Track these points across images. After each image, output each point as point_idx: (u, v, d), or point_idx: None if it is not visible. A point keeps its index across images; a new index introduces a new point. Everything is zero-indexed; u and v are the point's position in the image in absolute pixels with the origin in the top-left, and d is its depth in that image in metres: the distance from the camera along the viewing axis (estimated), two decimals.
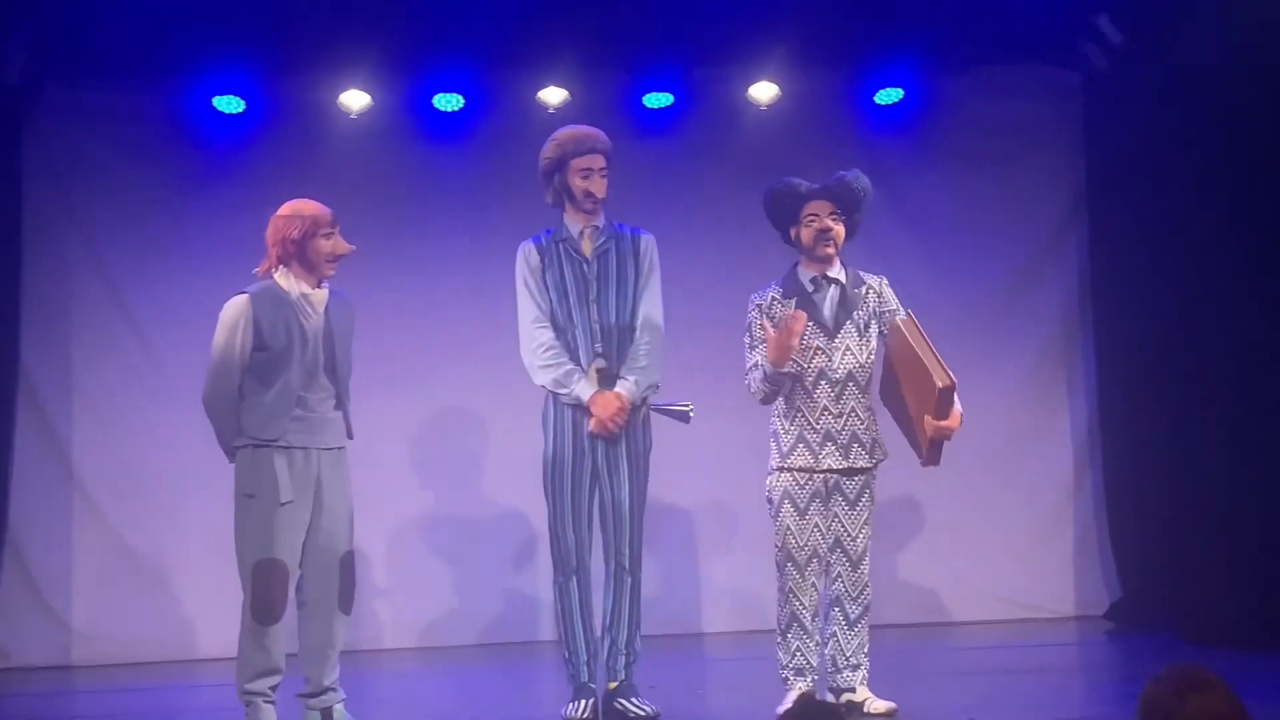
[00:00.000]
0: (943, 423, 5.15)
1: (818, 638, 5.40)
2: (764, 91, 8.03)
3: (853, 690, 5.41)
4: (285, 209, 5.31)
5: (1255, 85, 6.81)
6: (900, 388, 5.37)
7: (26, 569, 7.69)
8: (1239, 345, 6.87)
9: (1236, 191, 6.88)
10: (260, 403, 5.20)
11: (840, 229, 5.44)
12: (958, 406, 5.20)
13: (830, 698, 5.42)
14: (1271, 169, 6.77)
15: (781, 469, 5.41)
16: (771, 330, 5.25)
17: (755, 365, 5.38)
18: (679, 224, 7.70)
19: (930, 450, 5.26)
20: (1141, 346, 7.75)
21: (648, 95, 8.10)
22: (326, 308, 5.31)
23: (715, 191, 8.14)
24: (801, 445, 5.39)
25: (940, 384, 5.09)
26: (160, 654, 7.71)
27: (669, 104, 8.12)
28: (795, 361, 5.29)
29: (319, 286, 5.31)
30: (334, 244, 5.29)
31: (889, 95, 8.20)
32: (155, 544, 7.84)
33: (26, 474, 7.68)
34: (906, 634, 7.71)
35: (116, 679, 7.34)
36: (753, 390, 5.41)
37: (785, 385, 5.36)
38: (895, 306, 5.48)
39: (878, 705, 5.38)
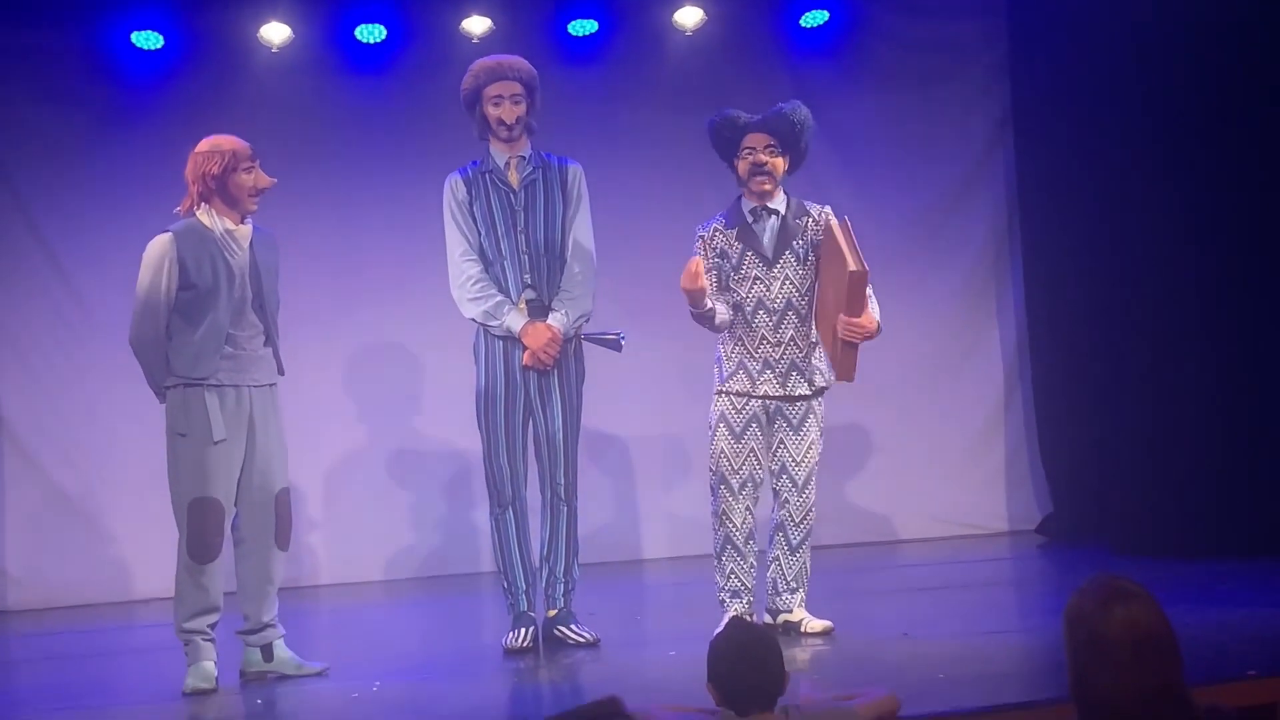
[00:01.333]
0: (855, 320, 5.06)
1: (751, 560, 5.45)
2: (689, 16, 7.99)
3: (789, 611, 5.47)
4: (203, 145, 5.25)
5: None
6: (824, 295, 5.36)
7: None
8: (1165, 260, 6.93)
9: (1161, 104, 6.91)
10: (189, 342, 5.16)
11: (778, 161, 5.44)
12: (874, 314, 5.16)
13: (768, 619, 5.47)
14: (1195, 79, 6.80)
15: (720, 392, 5.45)
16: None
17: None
18: (607, 152, 7.65)
19: (843, 355, 5.09)
20: (1069, 263, 7.81)
21: (572, 23, 8.03)
22: (251, 244, 5.26)
23: (642, 119, 8.11)
24: (741, 371, 5.42)
25: (851, 268, 4.98)
26: (96, 596, 7.67)
27: (594, 31, 8.07)
28: (712, 299, 5.31)
29: (242, 222, 5.26)
30: (255, 178, 5.23)
31: (814, 17, 8.18)
32: (87, 486, 7.79)
33: None
34: (843, 554, 7.79)
35: (53, 622, 7.30)
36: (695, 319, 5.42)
37: (715, 319, 5.36)
38: None
39: (814, 624, 5.44)
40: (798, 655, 5.13)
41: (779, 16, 8.21)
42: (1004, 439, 8.43)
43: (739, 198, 5.53)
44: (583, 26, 8.05)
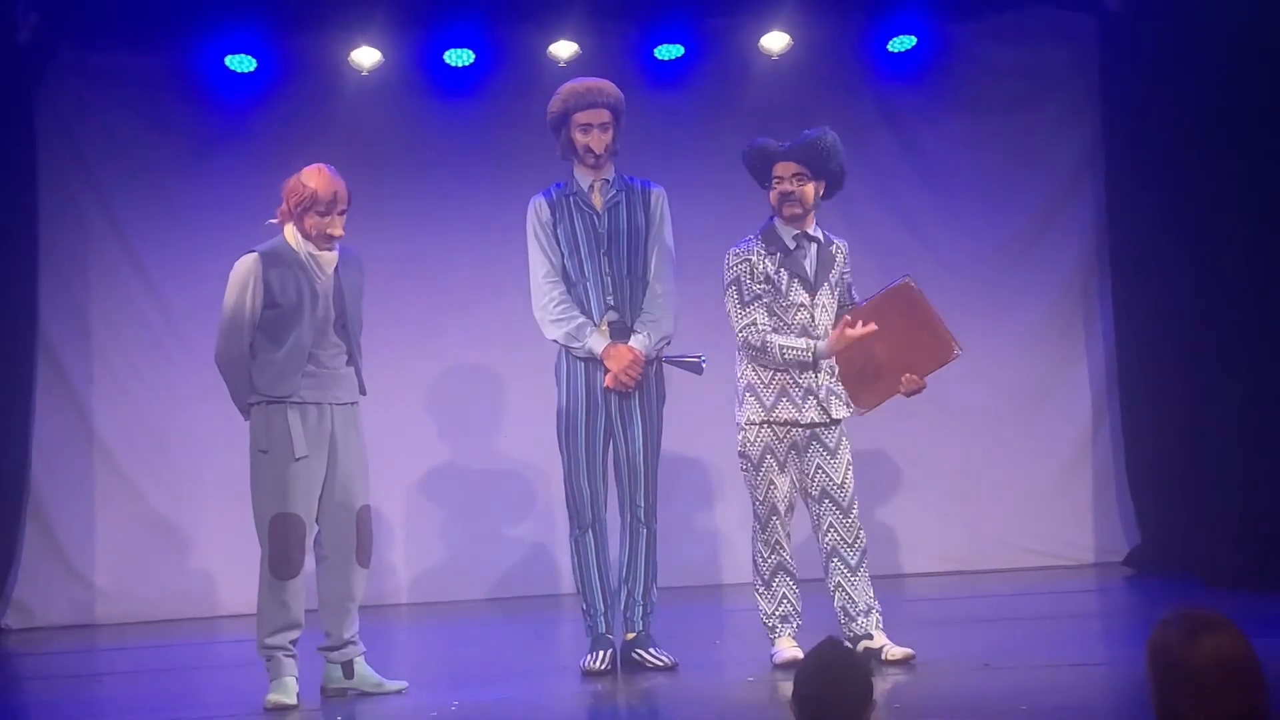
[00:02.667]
0: (920, 381, 5.44)
1: (797, 585, 5.50)
2: (775, 41, 7.98)
3: (869, 636, 5.42)
4: (305, 171, 5.26)
5: (1274, 25, 6.73)
6: (875, 344, 5.38)
7: (49, 529, 7.75)
8: (1257, 292, 6.84)
9: (1255, 134, 6.82)
10: (272, 360, 5.22)
11: (807, 189, 5.48)
12: None
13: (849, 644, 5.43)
14: None
15: (766, 423, 5.44)
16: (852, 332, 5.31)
17: (754, 322, 5.39)
18: (691, 177, 7.67)
19: (878, 401, 5.54)
20: (1159, 292, 7.71)
21: (659, 47, 8.05)
22: (336, 266, 5.31)
23: (727, 143, 8.03)
24: (785, 400, 5.43)
25: (956, 351, 5.40)
26: (183, 611, 7.77)
27: (680, 56, 8.08)
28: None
29: (327, 249, 5.30)
30: (328, 224, 5.23)
31: (902, 43, 8.15)
32: (176, 501, 7.90)
33: (47, 435, 7.74)
34: (925, 583, 7.73)
35: (139, 636, 7.40)
36: (773, 356, 5.38)
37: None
38: (848, 272, 5.62)
39: (895, 652, 5.39)
40: (876, 684, 5.06)
41: (866, 42, 8.19)
42: (1091, 469, 8.31)
43: (771, 220, 5.56)
44: (669, 51, 8.07)
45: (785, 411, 5.43)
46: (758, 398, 5.46)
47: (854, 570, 5.46)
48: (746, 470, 5.50)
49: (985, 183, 8.26)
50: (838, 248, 5.59)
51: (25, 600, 7.71)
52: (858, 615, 5.45)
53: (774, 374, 5.45)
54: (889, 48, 8.16)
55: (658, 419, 5.67)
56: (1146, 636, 2.75)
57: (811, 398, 5.43)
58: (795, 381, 5.43)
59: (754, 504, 5.52)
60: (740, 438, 5.50)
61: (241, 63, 7.83)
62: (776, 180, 5.49)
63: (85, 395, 7.86)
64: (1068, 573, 8.02)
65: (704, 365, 5.75)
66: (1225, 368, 6.98)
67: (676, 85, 8.13)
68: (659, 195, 5.74)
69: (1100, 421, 8.30)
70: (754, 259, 5.47)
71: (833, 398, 5.46)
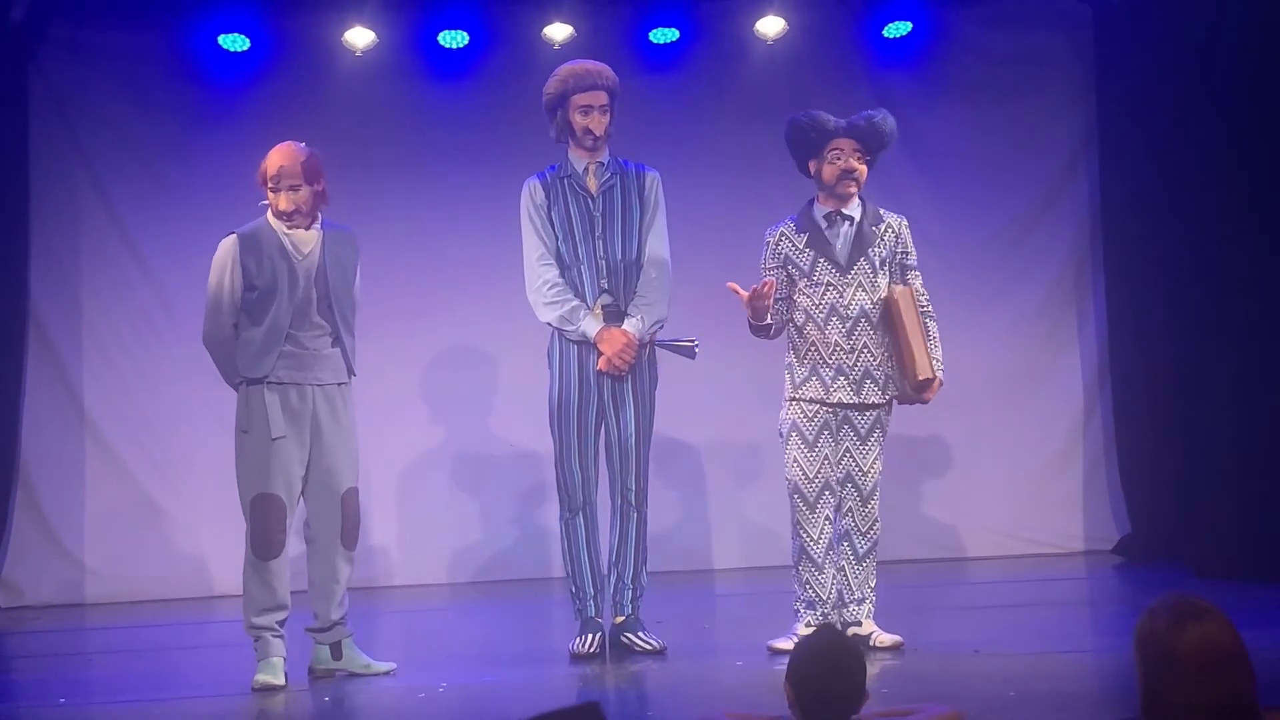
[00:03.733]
0: (925, 395, 5.43)
1: (831, 571, 5.40)
2: (771, 25, 7.96)
3: (858, 624, 5.42)
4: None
5: (1271, 14, 6.72)
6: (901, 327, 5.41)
7: (39, 507, 7.74)
8: (1249, 280, 6.83)
9: (1250, 122, 6.81)
10: (251, 340, 5.23)
11: (864, 169, 5.43)
12: (938, 370, 5.42)
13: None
14: None
15: (793, 399, 5.41)
16: (741, 291, 5.31)
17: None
18: (685, 160, 7.66)
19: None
20: (1152, 280, 7.71)
21: (654, 30, 8.03)
22: (323, 245, 5.30)
23: (721, 127, 8.10)
24: (814, 378, 5.39)
25: (922, 376, 5.34)
26: (173, 590, 7.76)
27: (675, 39, 8.06)
28: (775, 315, 5.38)
29: (306, 228, 5.29)
30: (276, 198, 5.25)
31: (897, 28, 8.13)
32: (166, 481, 7.89)
33: (37, 412, 7.74)
34: (915, 569, 7.73)
35: (129, 616, 7.40)
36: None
37: (769, 333, 5.42)
38: (911, 253, 5.50)
39: (884, 639, 5.39)
40: (867, 669, 5.07)
41: (862, 27, 8.17)
42: (1082, 458, 8.32)
43: (811, 200, 5.50)
44: (664, 35, 8.05)
45: (813, 390, 5.38)
46: (791, 374, 5.44)
47: (860, 559, 5.45)
48: (782, 449, 5.47)
49: (979, 169, 8.26)
50: (888, 226, 5.46)
51: (14, 579, 7.70)
52: (850, 602, 5.45)
53: (806, 351, 5.40)
54: (884, 33, 8.14)
55: (650, 403, 5.66)
56: (1135, 624, 2.75)
57: (842, 378, 5.37)
58: (825, 361, 5.37)
59: (785, 483, 5.47)
60: (780, 416, 5.48)
61: (235, 42, 7.81)
62: (836, 154, 5.39)
63: (76, 374, 7.85)
64: (1058, 560, 8.03)
65: (697, 350, 5.74)
66: (1217, 358, 6.98)
67: (671, 69, 8.11)
68: (653, 179, 5.72)
69: (1092, 410, 8.31)
70: (775, 240, 5.45)
71: (868, 380, 5.39)
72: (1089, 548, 8.21)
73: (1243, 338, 6.86)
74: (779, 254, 5.43)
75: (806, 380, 5.40)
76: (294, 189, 5.24)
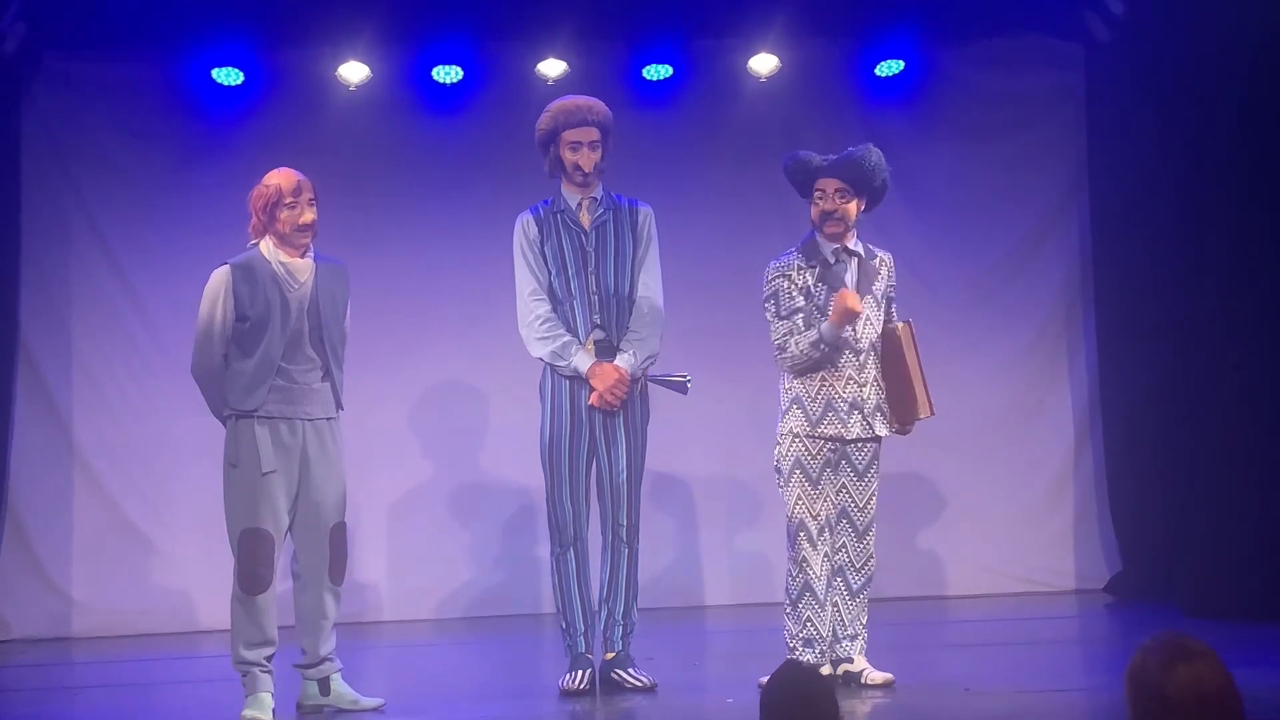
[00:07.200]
0: (907, 426, 5.50)
1: (829, 609, 5.40)
2: (764, 63, 7.99)
3: (850, 660, 5.41)
4: (265, 177, 5.30)
5: (1259, 56, 6.76)
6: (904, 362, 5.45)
7: (27, 540, 7.70)
8: (1240, 319, 6.84)
9: (1239, 165, 6.83)
10: (242, 373, 5.21)
11: (849, 206, 5.43)
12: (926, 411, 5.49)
13: (827, 669, 5.41)
14: (1275, 142, 6.72)
15: (797, 435, 5.38)
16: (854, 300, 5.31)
17: (790, 332, 5.34)
18: (678, 196, 7.68)
19: (910, 419, 5.53)
20: (1142, 319, 7.72)
21: (647, 67, 8.06)
22: (316, 277, 5.29)
23: (714, 164, 8.12)
24: (830, 413, 5.38)
25: (922, 415, 5.42)
26: (160, 625, 7.72)
27: (668, 76, 8.08)
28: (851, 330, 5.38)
29: (302, 256, 5.29)
30: (298, 214, 5.23)
31: (889, 67, 8.16)
32: (155, 515, 7.85)
33: (26, 445, 7.70)
34: (906, 607, 7.71)
35: (116, 650, 7.35)
36: (793, 356, 5.34)
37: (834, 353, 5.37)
38: (893, 286, 5.57)
39: (875, 676, 5.38)
40: (858, 707, 5.07)
41: (854, 65, 8.20)
42: (1073, 496, 8.31)
43: (813, 234, 5.51)
44: (657, 71, 8.07)
45: (830, 426, 5.37)
46: (804, 410, 5.40)
47: (854, 594, 5.44)
48: (779, 485, 5.45)
49: (971, 208, 8.27)
50: (881, 261, 5.53)
51: (1, 613, 7.65)
52: (843, 638, 5.43)
53: (820, 386, 5.39)
54: (877, 72, 8.18)
55: (642, 438, 5.65)
56: (1126, 663, 2.74)
57: (857, 413, 5.38)
58: (840, 395, 5.37)
59: (786, 520, 5.45)
60: (776, 451, 5.45)
61: (228, 75, 7.82)
62: (819, 196, 5.43)
63: (65, 406, 7.82)
64: (1049, 599, 8.01)
65: (689, 385, 5.73)
66: (1208, 396, 6.98)
67: (664, 106, 8.13)
68: (646, 214, 5.73)
69: (1082, 448, 8.31)
70: (793, 273, 5.43)
71: (878, 415, 5.42)
72: (1080, 586, 8.20)
73: (1231, 381, 6.86)
74: (799, 285, 5.41)
75: (824, 417, 5.38)
76: (312, 203, 5.25)
